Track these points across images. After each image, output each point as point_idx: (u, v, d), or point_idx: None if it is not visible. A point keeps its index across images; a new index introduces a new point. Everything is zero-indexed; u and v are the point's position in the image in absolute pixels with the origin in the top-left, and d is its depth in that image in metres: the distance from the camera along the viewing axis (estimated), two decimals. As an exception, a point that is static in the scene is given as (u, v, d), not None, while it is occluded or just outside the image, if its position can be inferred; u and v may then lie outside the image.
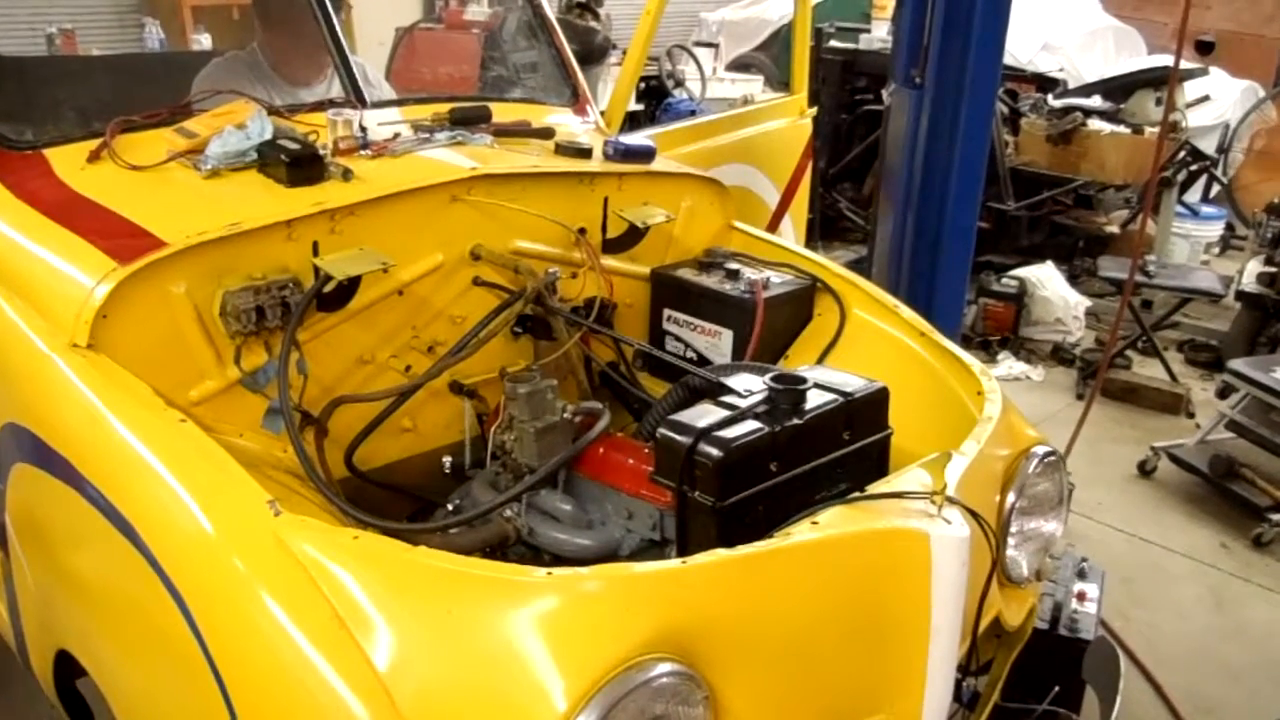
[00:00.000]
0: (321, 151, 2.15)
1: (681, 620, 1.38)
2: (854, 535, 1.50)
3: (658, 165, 2.56)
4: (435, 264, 2.18)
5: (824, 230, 7.16)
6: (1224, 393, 4.55)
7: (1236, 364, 4.37)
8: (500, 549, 2.01)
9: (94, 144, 2.19)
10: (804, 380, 1.73)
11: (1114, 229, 6.44)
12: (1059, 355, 5.69)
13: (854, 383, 1.84)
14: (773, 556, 1.44)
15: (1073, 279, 6.21)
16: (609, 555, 1.99)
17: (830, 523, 1.51)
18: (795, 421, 1.68)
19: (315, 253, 1.99)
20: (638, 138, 2.67)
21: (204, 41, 6.05)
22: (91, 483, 1.60)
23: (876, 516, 1.53)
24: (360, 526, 1.77)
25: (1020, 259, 6.29)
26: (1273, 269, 5.42)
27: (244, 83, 2.67)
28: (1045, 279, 5.82)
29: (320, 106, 2.46)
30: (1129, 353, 5.50)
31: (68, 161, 2.17)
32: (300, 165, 2.07)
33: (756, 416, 1.68)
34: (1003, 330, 5.72)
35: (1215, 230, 6.89)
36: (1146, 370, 5.46)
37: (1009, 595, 1.98)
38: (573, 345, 2.26)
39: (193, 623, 1.42)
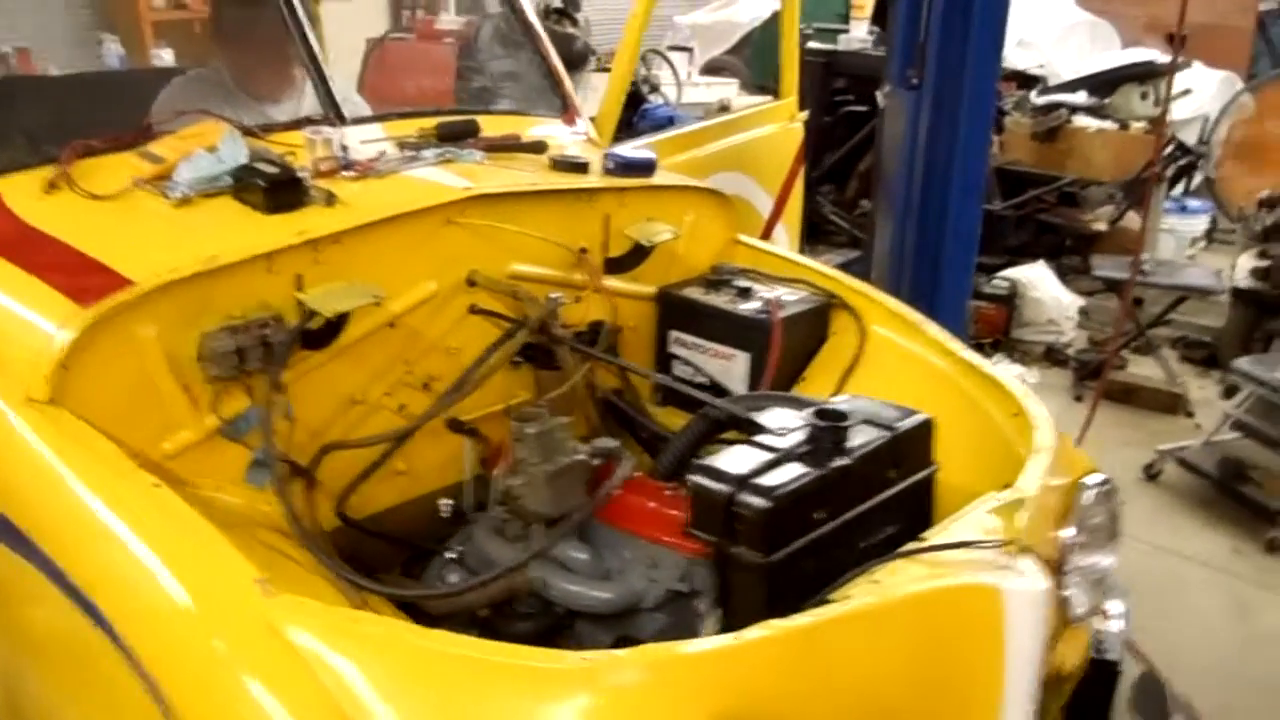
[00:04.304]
0: (301, 174, 1.98)
1: (736, 704, 1.21)
2: (921, 595, 1.35)
3: (658, 178, 2.41)
4: (429, 293, 2.02)
5: (808, 234, 7.03)
6: (1229, 392, 4.46)
7: (1241, 363, 4.28)
8: (507, 603, 1.86)
9: (50, 172, 2.01)
10: (847, 416, 1.57)
11: (1101, 226, 6.35)
12: (1053, 356, 5.59)
13: (896, 414, 1.68)
14: (835, 625, 1.28)
15: (1060, 278, 6.11)
16: (630, 608, 1.83)
17: (893, 581, 1.36)
18: (843, 462, 1.52)
19: (299, 286, 1.82)
20: (635, 149, 2.50)
21: (166, 58, 5.83)
22: (51, 558, 1.41)
23: (944, 571, 1.37)
24: (360, 593, 1.60)
25: (1007, 259, 6.19)
26: (1266, 263, 5.34)
27: (209, 102, 2.49)
28: (1037, 279, 5.72)
29: (296, 125, 2.28)
30: (1125, 352, 5.40)
31: (20, 191, 1.98)
32: (279, 190, 1.90)
33: (799, 458, 1.52)
34: (994, 333, 5.61)
35: (1200, 224, 6.83)
36: (1142, 370, 5.37)
37: (1065, 636, 1.84)
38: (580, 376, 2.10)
39: (174, 721, 1.24)
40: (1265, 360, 4.31)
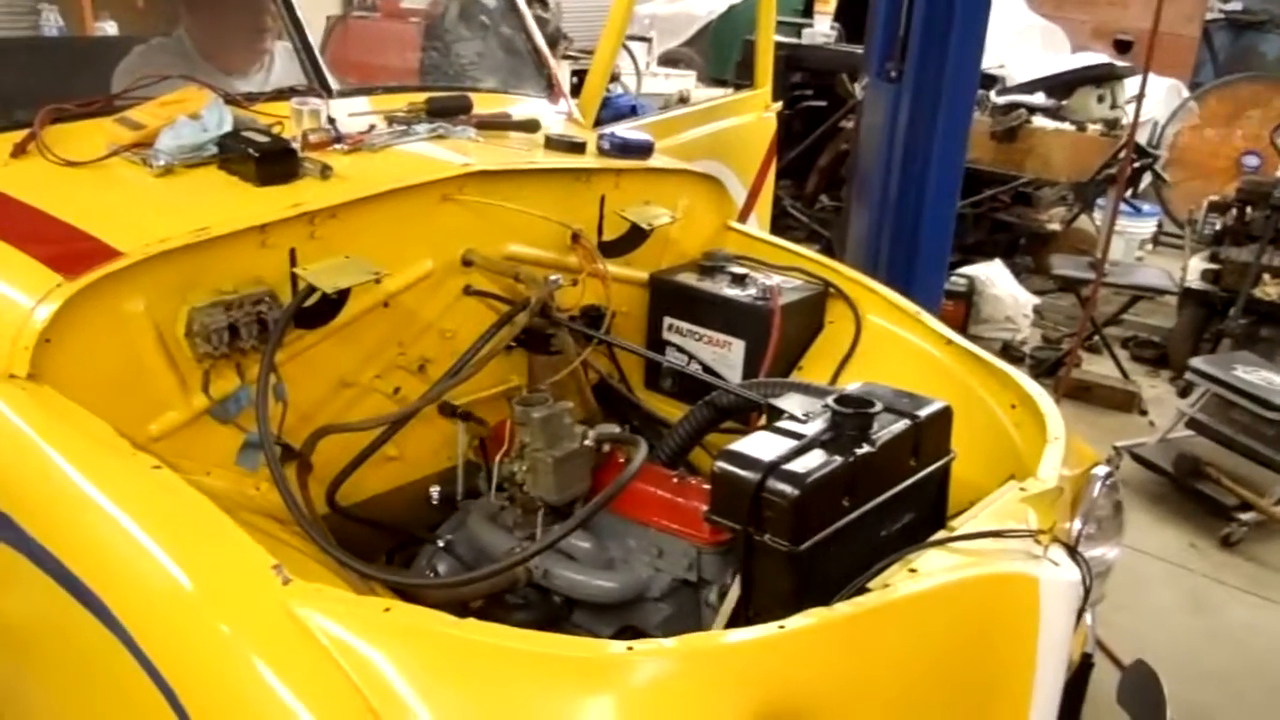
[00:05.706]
0: (292, 145, 1.89)
1: (779, 696, 1.17)
2: (960, 583, 1.32)
3: (656, 161, 2.36)
4: (424, 272, 1.94)
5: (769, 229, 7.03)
6: (1185, 391, 4.53)
7: (1198, 362, 4.35)
8: (502, 593, 1.80)
9: (17, 136, 1.89)
10: (872, 403, 1.54)
11: (1055, 226, 6.43)
12: (1009, 353, 5.64)
13: (914, 402, 1.65)
14: (878, 614, 1.25)
15: (1014, 276, 6.17)
16: (634, 597, 1.78)
17: (931, 569, 1.32)
18: (867, 449, 1.48)
19: (293, 261, 1.73)
20: (631, 130, 2.45)
21: (110, 30, 5.62)
22: (45, 547, 1.31)
23: (981, 560, 1.34)
24: (365, 582, 1.53)
25: (961, 256, 6.24)
26: (1216, 266, 5.45)
27: (174, 72, 2.38)
28: (994, 277, 5.76)
29: (280, 95, 2.19)
30: (1079, 350, 5.48)
31: None
32: (272, 160, 1.81)
33: (823, 445, 1.48)
34: (953, 328, 5.63)
35: (1150, 227, 6.96)
36: (1096, 368, 5.44)
37: (1071, 628, 1.83)
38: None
39: None
40: (1221, 360, 4.39)
